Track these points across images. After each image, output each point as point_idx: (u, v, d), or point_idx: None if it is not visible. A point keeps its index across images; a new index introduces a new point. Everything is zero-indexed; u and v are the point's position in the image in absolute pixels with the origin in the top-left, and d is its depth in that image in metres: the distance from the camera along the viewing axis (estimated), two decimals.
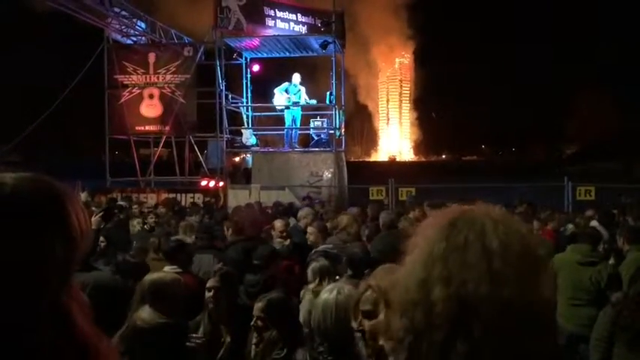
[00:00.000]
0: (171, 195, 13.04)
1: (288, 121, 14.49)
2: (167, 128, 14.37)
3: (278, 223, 6.11)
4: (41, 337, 0.99)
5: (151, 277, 3.37)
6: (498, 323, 0.95)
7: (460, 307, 0.96)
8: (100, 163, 15.33)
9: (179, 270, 5.00)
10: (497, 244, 0.98)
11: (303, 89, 14.50)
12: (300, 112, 14.72)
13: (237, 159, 15.83)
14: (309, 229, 6.07)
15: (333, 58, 14.80)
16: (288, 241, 5.83)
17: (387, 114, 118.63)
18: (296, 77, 14.47)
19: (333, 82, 14.85)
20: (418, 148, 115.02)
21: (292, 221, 8.43)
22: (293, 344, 2.81)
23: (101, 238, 5.98)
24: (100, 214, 5.05)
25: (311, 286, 4.07)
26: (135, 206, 12.32)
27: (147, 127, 14.72)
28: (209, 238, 6.13)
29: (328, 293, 2.58)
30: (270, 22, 14.59)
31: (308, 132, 15.29)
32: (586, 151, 69.44)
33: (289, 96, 14.24)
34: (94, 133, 16.50)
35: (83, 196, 12.14)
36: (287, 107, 14.30)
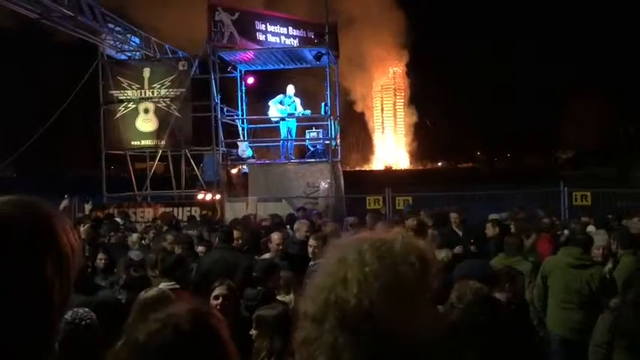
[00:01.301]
0: (168, 209, 13.04)
1: (283, 133, 14.55)
2: (163, 142, 14.38)
3: (275, 236, 6.13)
4: (45, 354, 1.01)
5: (147, 295, 3.37)
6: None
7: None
8: (97, 179, 15.30)
9: (176, 286, 5.01)
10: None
11: (297, 100, 14.57)
12: (296, 124, 14.78)
13: (234, 170, 15.83)
14: (311, 242, 6.07)
15: (327, 70, 14.88)
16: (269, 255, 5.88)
17: (382, 123, 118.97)
18: (290, 89, 14.56)
19: (328, 93, 14.93)
20: (414, 156, 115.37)
21: (290, 233, 8.47)
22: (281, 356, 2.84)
23: (102, 256, 6.00)
24: (89, 224, 5.07)
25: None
26: (133, 221, 12.37)
27: (143, 142, 14.73)
28: (190, 248, 6.42)
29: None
30: (260, 37, 14.70)
31: (304, 143, 15.34)
32: (581, 156, 69.75)
33: (284, 107, 14.30)
34: (89, 148, 16.52)
35: (87, 208, 12.18)
36: (282, 119, 14.36)
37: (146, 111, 14.53)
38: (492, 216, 8.49)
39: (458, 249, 6.79)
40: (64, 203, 10.81)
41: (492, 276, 3.82)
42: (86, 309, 2.52)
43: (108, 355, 1.44)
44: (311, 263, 5.75)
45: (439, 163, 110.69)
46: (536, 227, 6.73)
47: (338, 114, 15.60)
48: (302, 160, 14.85)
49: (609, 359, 3.87)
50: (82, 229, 5.70)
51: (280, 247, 5.95)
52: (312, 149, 14.86)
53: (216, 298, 3.64)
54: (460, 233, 7.44)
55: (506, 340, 2.16)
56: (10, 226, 1.00)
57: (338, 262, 1.29)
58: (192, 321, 1.29)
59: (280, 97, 14.45)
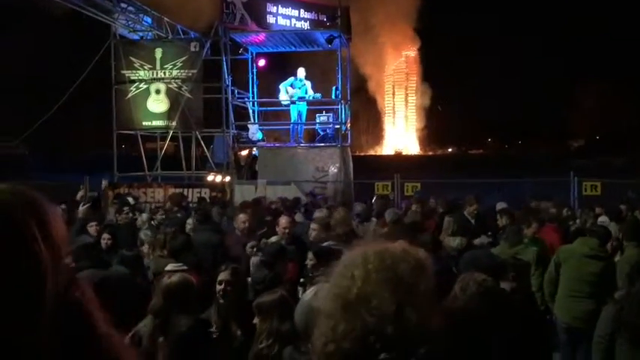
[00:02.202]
0: (178, 190, 13.12)
1: (293, 116, 14.55)
2: (173, 123, 14.44)
3: (283, 220, 6.17)
4: (40, 338, 1.04)
5: (170, 281, 3.47)
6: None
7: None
8: (108, 158, 15.41)
9: (184, 267, 5.09)
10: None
11: (308, 84, 14.54)
12: (306, 107, 14.76)
13: (244, 152, 15.87)
14: (313, 226, 6.13)
15: (339, 53, 14.81)
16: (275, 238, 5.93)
17: (393, 107, 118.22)
18: (301, 71, 14.52)
19: (339, 76, 14.87)
20: (424, 141, 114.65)
21: (299, 217, 8.51)
22: (284, 341, 2.90)
23: (106, 235, 6.09)
24: (88, 204, 5.16)
25: None
26: (143, 201, 12.49)
27: (154, 122, 14.78)
28: (182, 231, 6.44)
29: (309, 294, 2.64)
30: (271, 19, 14.61)
31: (314, 127, 15.33)
32: (593, 145, 69.08)
33: (295, 90, 14.28)
34: (101, 128, 16.61)
35: (103, 184, 12.29)
36: (292, 102, 14.34)
37: (157, 91, 14.56)
38: (500, 205, 8.49)
39: (478, 240, 6.83)
40: (80, 194, 10.99)
41: (499, 266, 3.84)
42: None
43: None
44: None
45: (449, 150, 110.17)
46: (537, 217, 6.69)
47: (349, 98, 15.55)
48: (312, 144, 14.85)
49: (612, 350, 3.90)
50: (80, 208, 5.79)
51: (287, 231, 6.00)
52: (322, 133, 14.86)
53: (220, 283, 3.70)
54: (472, 221, 7.46)
55: (510, 332, 2.18)
56: (6, 213, 1.05)
57: (346, 265, 1.57)
58: None
59: (291, 79, 14.42)
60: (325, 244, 5.73)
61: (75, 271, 4.10)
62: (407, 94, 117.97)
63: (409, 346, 1.45)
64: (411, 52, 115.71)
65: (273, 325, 3.06)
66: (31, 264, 1.05)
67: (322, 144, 14.51)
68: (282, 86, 14.50)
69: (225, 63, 14.34)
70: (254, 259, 5.19)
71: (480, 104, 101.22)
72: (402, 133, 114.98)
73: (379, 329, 1.45)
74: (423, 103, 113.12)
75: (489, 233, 6.85)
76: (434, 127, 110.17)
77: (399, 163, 48.68)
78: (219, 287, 3.68)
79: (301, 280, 4.63)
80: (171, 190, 13.06)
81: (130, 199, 10.67)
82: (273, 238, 6.12)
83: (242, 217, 6.65)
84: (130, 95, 14.59)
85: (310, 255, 4.70)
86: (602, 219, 7.52)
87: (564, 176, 12.70)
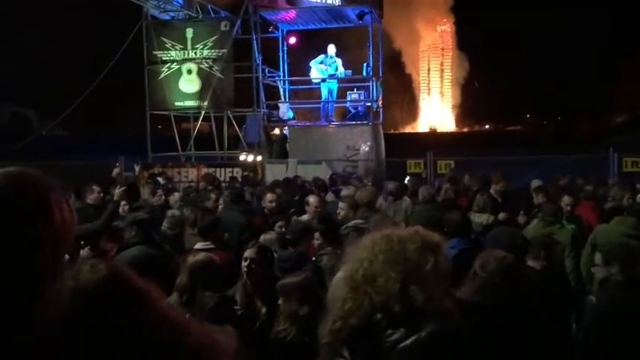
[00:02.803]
0: (211, 169, 13.25)
1: (324, 94, 14.44)
2: (205, 103, 14.54)
3: (312, 199, 6.15)
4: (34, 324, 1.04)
5: (196, 259, 3.52)
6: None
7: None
8: (142, 139, 15.65)
9: (212, 246, 5.13)
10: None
11: (339, 61, 14.37)
12: (337, 85, 14.62)
13: (276, 131, 15.90)
14: (340, 205, 6.10)
15: (370, 29, 14.57)
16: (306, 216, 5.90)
17: (428, 84, 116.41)
18: (331, 48, 14.35)
19: (370, 52, 14.65)
20: (460, 118, 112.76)
21: (330, 197, 8.48)
22: (301, 325, 2.90)
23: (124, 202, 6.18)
24: (124, 188, 5.23)
25: None
26: (177, 181, 12.67)
27: (186, 103, 14.91)
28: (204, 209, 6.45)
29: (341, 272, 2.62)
30: None
31: (345, 105, 15.20)
32: (636, 121, 66.66)
33: (325, 68, 14.14)
34: (135, 108, 16.84)
35: (137, 169, 12.48)
36: (323, 80, 14.22)
37: (189, 72, 14.65)
38: (535, 183, 8.27)
39: (501, 215, 6.69)
40: (116, 170, 11.14)
41: (522, 245, 3.74)
42: None
43: None
44: (342, 227, 5.78)
45: (486, 126, 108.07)
46: (572, 194, 6.48)
47: (380, 75, 15.33)
48: (343, 123, 14.75)
49: None
50: (116, 191, 5.86)
51: (317, 210, 5.99)
52: (353, 111, 14.72)
53: (245, 260, 3.72)
54: (499, 199, 7.30)
55: (530, 311, 2.12)
56: (12, 197, 1.04)
57: (359, 248, 1.67)
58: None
59: (321, 57, 14.27)
60: (352, 223, 5.71)
61: (122, 248, 4.17)
62: (442, 70, 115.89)
63: (416, 323, 1.48)
64: (447, 26, 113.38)
65: (292, 307, 3.06)
66: (23, 245, 1.04)
67: (353, 122, 14.39)
68: (312, 64, 14.37)
69: (255, 41, 14.30)
70: (266, 237, 5.19)
71: (519, 79, 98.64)
72: (437, 109, 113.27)
73: (386, 307, 1.49)
74: (458, 79, 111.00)
75: (522, 212, 6.67)
76: (470, 103, 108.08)
77: (432, 140, 48.03)
78: (244, 264, 3.70)
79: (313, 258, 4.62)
80: (204, 170, 13.19)
81: (161, 180, 10.81)
82: (305, 217, 6.11)
83: (269, 196, 6.65)
84: (162, 76, 14.74)
85: (317, 234, 4.68)
86: None
87: (603, 152, 12.28)
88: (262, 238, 5.16)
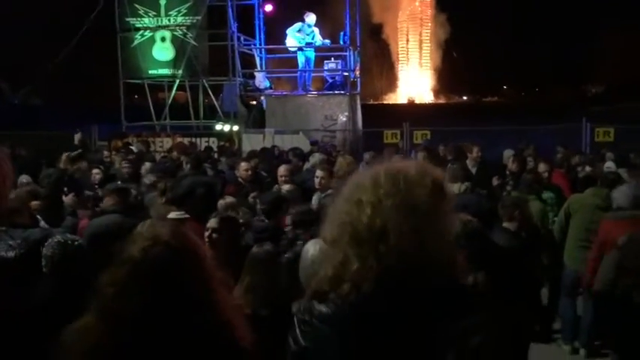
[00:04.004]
0: (187, 139, 13.08)
1: (301, 63, 14.25)
2: (180, 72, 14.27)
3: (281, 168, 6.12)
4: None
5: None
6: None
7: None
8: (116, 108, 15.36)
9: (186, 216, 5.07)
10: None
11: (316, 30, 14.16)
12: (314, 54, 14.43)
13: (254, 102, 15.72)
14: (319, 173, 6.08)
15: None
16: (288, 186, 5.85)
17: (407, 54, 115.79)
18: (310, 17, 14.11)
19: (347, 21, 14.46)
20: (438, 89, 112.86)
21: (308, 166, 8.43)
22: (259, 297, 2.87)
23: (97, 170, 6.10)
24: (69, 154, 5.20)
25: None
26: (152, 150, 12.47)
27: (160, 71, 14.62)
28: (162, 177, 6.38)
29: (310, 245, 2.57)
30: None
31: (322, 74, 15.05)
32: (611, 91, 67.45)
33: (303, 37, 13.93)
34: (108, 77, 16.49)
35: (76, 138, 11.99)
36: (300, 48, 14.02)
37: (163, 39, 14.33)
38: (508, 152, 8.36)
39: (468, 184, 6.74)
40: (78, 137, 10.81)
41: (489, 211, 3.78)
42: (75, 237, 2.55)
43: (106, 273, 1.55)
44: (321, 195, 5.77)
45: (464, 98, 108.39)
46: (547, 161, 6.57)
47: (358, 44, 15.17)
48: (320, 92, 14.63)
49: (613, 296, 3.87)
50: (63, 157, 5.88)
51: (284, 179, 5.98)
52: (330, 81, 14.59)
53: (207, 230, 3.68)
54: (474, 170, 7.35)
55: (495, 275, 2.14)
56: None
57: (354, 187, 1.38)
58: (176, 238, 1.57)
59: (299, 25, 14.02)
60: (330, 191, 5.71)
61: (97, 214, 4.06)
62: (421, 41, 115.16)
63: (429, 278, 1.29)
64: None
65: (254, 279, 3.01)
66: None
67: (331, 92, 14.28)
68: (289, 32, 14.13)
69: (230, 8, 14.02)
70: (223, 202, 5.16)
71: (497, 51, 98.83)
72: (415, 80, 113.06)
73: (401, 268, 1.27)
74: (437, 50, 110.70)
75: (495, 177, 6.73)
76: (449, 75, 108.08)
77: (410, 111, 48.06)
78: (206, 234, 3.65)
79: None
80: (179, 140, 13.03)
81: (134, 148, 10.65)
82: (285, 187, 6.07)
83: (244, 165, 6.59)
84: (135, 43, 14.40)
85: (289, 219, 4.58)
86: (609, 165, 7.36)
87: (577, 123, 12.44)
88: (219, 203, 5.13)
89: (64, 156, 6.33)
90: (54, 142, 11.44)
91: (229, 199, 5.24)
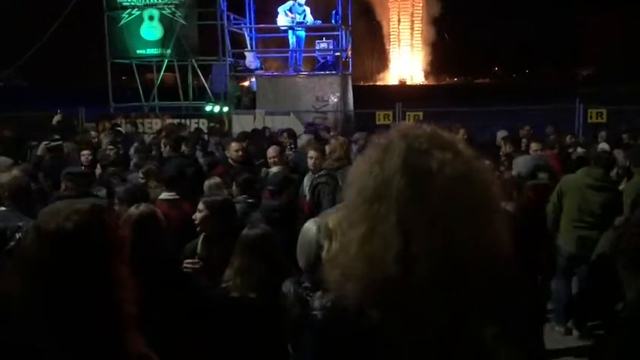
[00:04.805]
0: (176, 120, 12.91)
1: (292, 44, 14.04)
2: (168, 51, 14.01)
3: (271, 150, 6.04)
4: None
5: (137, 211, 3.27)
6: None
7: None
8: (103, 89, 15.10)
9: (177, 197, 4.98)
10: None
11: (308, 9, 13.93)
12: (305, 34, 14.21)
13: (246, 83, 15.50)
14: (311, 153, 6.02)
15: None
16: (276, 168, 5.81)
17: (398, 35, 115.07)
18: None
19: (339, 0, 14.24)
20: (430, 71, 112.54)
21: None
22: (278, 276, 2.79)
23: (87, 152, 6.03)
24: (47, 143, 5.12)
25: None
26: (141, 132, 12.30)
27: (148, 51, 14.34)
28: (146, 158, 6.59)
29: (311, 225, 2.51)
30: None
31: (314, 55, 14.84)
32: (602, 73, 67.56)
33: (293, 16, 13.70)
34: (95, 57, 16.20)
35: (55, 119, 11.56)
36: (291, 28, 13.80)
37: (151, 18, 14.03)
38: (501, 133, 8.30)
39: None
40: (57, 118, 10.44)
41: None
42: None
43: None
44: (314, 176, 5.70)
45: (455, 79, 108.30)
46: (539, 141, 6.52)
47: (350, 23, 14.95)
48: (311, 73, 14.44)
49: (608, 275, 3.83)
50: (41, 145, 5.81)
51: (275, 160, 5.92)
52: (322, 61, 14.40)
53: (199, 211, 3.62)
54: None
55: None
56: None
57: (383, 150, 1.12)
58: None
59: (290, 3, 13.76)
60: (322, 172, 5.66)
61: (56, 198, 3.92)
62: (412, 22, 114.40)
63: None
64: None
65: (244, 262, 2.93)
66: None
67: (322, 72, 14.10)
68: (280, 9, 13.88)
69: None
70: (209, 182, 5.12)
71: (488, 32, 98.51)
72: (407, 61, 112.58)
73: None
74: (428, 30, 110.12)
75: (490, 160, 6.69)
76: (440, 56, 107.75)
77: (402, 92, 47.90)
78: (196, 216, 3.57)
79: None
80: (169, 121, 12.85)
81: (122, 129, 10.48)
82: (274, 169, 5.99)
83: (235, 145, 6.48)
84: (122, 22, 14.09)
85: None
86: (603, 146, 7.34)
87: (570, 104, 12.39)
88: (206, 183, 5.06)
89: (43, 145, 6.19)
90: (39, 123, 11.20)
91: (214, 179, 5.17)
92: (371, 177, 1.11)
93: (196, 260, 3.42)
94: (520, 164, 5.27)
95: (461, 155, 1.11)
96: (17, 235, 3.54)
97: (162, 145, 7.06)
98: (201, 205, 3.61)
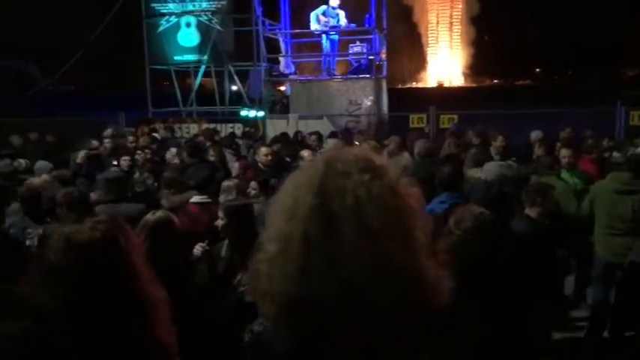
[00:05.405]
0: (212, 125, 13.12)
1: (326, 48, 14.10)
2: (205, 57, 14.28)
3: (305, 153, 6.08)
4: None
5: (153, 217, 3.37)
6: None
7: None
8: (142, 94, 15.49)
9: (208, 200, 5.09)
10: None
11: (342, 13, 13.96)
12: (338, 37, 14.25)
13: (282, 88, 15.66)
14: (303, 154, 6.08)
15: None
16: None
17: (437, 37, 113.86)
18: (334, 0, 13.92)
19: (373, 3, 14.22)
20: (469, 72, 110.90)
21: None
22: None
23: (127, 157, 6.21)
24: (87, 154, 5.25)
25: None
26: (178, 136, 12.56)
27: (185, 57, 14.66)
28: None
29: None
30: None
31: (347, 58, 14.86)
32: None
33: (327, 20, 13.75)
34: (136, 63, 16.63)
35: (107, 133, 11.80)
36: (325, 32, 13.85)
37: (188, 25, 14.35)
38: (535, 134, 8.12)
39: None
40: (108, 133, 10.68)
41: (499, 197, 3.67)
42: None
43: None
44: None
45: (495, 81, 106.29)
46: (570, 147, 6.34)
47: (385, 27, 14.91)
48: (345, 77, 14.47)
49: None
50: (80, 154, 5.98)
51: (268, 159, 6.24)
52: (355, 65, 14.41)
53: (220, 218, 3.69)
54: (497, 157, 7.16)
55: (509, 270, 2.03)
56: None
57: (293, 187, 1.18)
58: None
59: (323, 8, 13.82)
60: None
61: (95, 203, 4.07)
62: (452, 23, 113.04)
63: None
64: None
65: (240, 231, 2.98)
66: None
67: (355, 76, 14.11)
68: (313, 14, 13.96)
69: None
70: (227, 183, 5.21)
71: (530, 33, 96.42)
72: (446, 63, 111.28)
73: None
74: (468, 32, 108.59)
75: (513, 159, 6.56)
76: (480, 57, 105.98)
77: (438, 94, 47.29)
78: (217, 222, 3.64)
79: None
80: (205, 126, 13.07)
81: (157, 135, 10.72)
82: None
83: (264, 150, 6.56)
84: (160, 29, 14.45)
85: (253, 184, 4.57)
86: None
87: (611, 106, 12.02)
88: (223, 184, 5.16)
89: (83, 153, 6.40)
90: (82, 128, 11.59)
91: (230, 181, 5.27)
92: (288, 197, 1.16)
93: (204, 244, 3.53)
94: (485, 170, 5.15)
95: (380, 178, 1.12)
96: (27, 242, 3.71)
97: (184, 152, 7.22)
98: (220, 212, 3.67)
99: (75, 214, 3.90)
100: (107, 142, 8.80)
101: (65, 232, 1.52)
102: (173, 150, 8.26)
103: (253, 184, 5.16)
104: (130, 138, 9.99)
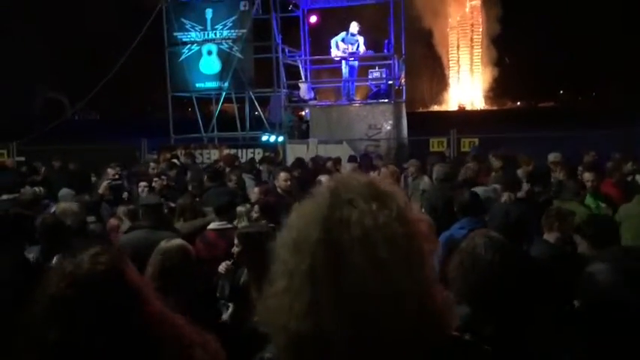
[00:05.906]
0: (232, 150, 13.23)
1: (345, 73, 14.21)
2: (226, 84, 14.51)
3: (323, 178, 6.05)
4: None
5: (166, 245, 3.33)
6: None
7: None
8: (165, 121, 15.75)
9: (228, 225, 5.08)
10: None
11: (361, 39, 14.10)
12: (358, 63, 14.37)
13: (302, 113, 15.81)
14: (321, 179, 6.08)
15: (391, 2, 14.25)
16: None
17: (458, 61, 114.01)
18: (353, 26, 14.07)
19: (391, 28, 14.33)
20: (490, 95, 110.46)
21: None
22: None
23: (144, 184, 6.32)
24: (109, 182, 5.32)
25: None
26: (199, 162, 12.69)
27: (207, 84, 14.90)
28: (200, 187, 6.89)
29: None
30: None
31: (367, 84, 14.94)
32: None
33: (346, 46, 13.89)
34: (157, 91, 16.96)
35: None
36: (344, 59, 13.98)
37: (209, 53, 14.62)
38: (554, 156, 7.96)
39: (521, 193, 6.45)
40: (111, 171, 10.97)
41: (517, 222, 3.59)
42: None
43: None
44: None
45: (518, 103, 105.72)
46: (593, 170, 6.21)
47: (403, 52, 14.99)
48: (364, 102, 14.53)
49: None
50: (102, 184, 6.06)
51: (287, 184, 6.31)
52: (374, 90, 14.48)
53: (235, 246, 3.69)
54: (525, 180, 7.04)
55: (520, 290, 1.98)
56: None
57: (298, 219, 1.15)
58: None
59: (342, 34, 14.01)
60: None
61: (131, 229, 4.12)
62: (472, 47, 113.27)
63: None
64: (476, 2, 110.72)
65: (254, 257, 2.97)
66: None
67: (375, 101, 14.16)
68: (333, 41, 14.14)
69: (275, 21, 14.15)
70: (239, 209, 5.29)
71: (552, 55, 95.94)
72: (467, 87, 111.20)
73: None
74: (489, 54, 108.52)
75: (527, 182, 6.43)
76: (502, 79, 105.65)
77: (459, 118, 47.14)
78: (234, 250, 3.62)
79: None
80: (226, 151, 13.18)
81: (177, 162, 10.83)
82: None
83: (283, 175, 6.56)
84: (182, 57, 14.74)
85: (256, 208, 4.59)
86: None
87: (637, 128, 11.82)
88: (237, 210, 5.17)
89: (106, 183, 6.51)
90: (105, 156, 11.83)
91: (243, 206, 5.28)
92: (293, 230, 1.12)
93: (230, 262, 3.54)
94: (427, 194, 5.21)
95: (388, 206, 1.09)
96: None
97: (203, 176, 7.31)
98: (236, 240, 3.66)
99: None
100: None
101: (64, 265, 1.50)
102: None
103: (256, 207, 5.16)
104: (152, 164, 10.11)
